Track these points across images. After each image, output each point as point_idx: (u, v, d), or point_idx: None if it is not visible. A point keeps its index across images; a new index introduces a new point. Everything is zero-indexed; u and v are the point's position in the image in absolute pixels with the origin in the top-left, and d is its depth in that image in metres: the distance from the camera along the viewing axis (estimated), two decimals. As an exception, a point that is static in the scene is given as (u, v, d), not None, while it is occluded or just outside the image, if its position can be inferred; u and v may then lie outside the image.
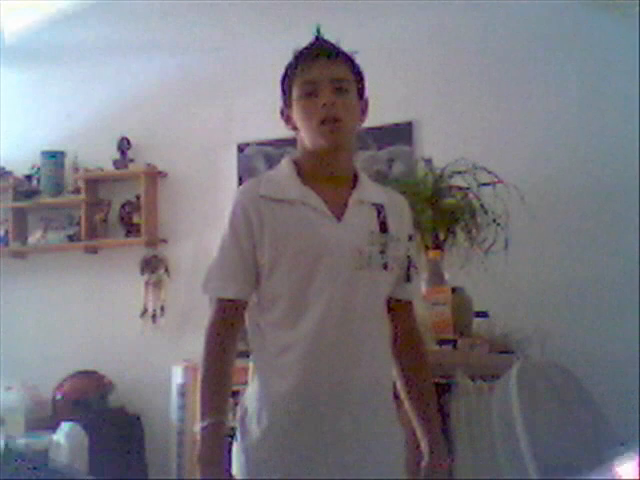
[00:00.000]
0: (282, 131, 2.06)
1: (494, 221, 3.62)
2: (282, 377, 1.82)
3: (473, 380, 2.94)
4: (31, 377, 4.65)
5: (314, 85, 1.87)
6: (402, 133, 4.41)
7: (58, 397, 4.57)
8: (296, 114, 1.91)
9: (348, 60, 1.93)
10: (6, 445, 3.05)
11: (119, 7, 4.27)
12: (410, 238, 2.00)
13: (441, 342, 3.10)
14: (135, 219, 4.89)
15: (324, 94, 1.86)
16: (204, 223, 4.68)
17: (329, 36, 1.96)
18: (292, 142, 2.02)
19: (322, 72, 1.88)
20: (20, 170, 5.11)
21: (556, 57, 4.20)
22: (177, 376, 4.51)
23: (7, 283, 5.07)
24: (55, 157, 4.99)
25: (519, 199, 3.68)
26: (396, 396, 1.97)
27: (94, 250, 5.01)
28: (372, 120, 2.10)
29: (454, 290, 3.37)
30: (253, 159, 4.73)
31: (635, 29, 3.92)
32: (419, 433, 1.98)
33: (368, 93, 1.98)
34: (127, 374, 4.72)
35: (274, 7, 4.28)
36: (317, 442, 1.80)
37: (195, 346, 1.95)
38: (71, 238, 4.97)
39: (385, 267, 1.87)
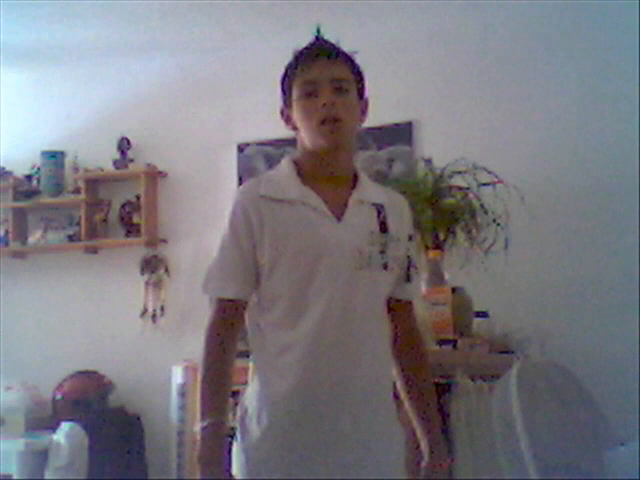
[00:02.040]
0: (282, 131, 2.06)
1: (494, 221, 3.62)
2: (282, 377, 1.81)
3: (473, 380, 2.93)
4: (31, 377, 4.65)
5: (314, 85, 1.87)
6: (402, 133, 4.41)
7: (58, 397, 4.56)
8: (296, 114, 1.91)
9: (348, 60, 1.93)
10: None
11: (119, 7, 4.26)
12: (410, 238, 2.00)
13: (441, 342, 3.10)
14: (135, 219, 4.89)
15: (324, 94, 1.86)
16: (204, 223, 4.68)
17: (329, 36, 1.95)
18: (292, 142, 2.01)
19: (322, 72, 1.88)
20: (20, 170, 5.11)
21: (556, 57, 4.20)
22: (177, 376, 4.51)
23: (7, 283, 5.07)
24: (55, 157, 4.98)
25: (519, 199, 3.69)
26: (396, 396, 1.97)
27: (94, 250, 5.00)
28: (372, 120, 2.10)
29: (454, 290, 3.37)
30: (253, 159, 4.73)
31: (635, 28, 3.93)
32: (419, 433, 1.98)
33: (368, 93, 1.98)
34: (127, 374, 4.72)
35: (274, 7, 4.28)
36: (317, 442, 1.80)
37: (195, 346, 1.95)
38: (71, 238, 4.97)
39: (385, 267, 1.87)
